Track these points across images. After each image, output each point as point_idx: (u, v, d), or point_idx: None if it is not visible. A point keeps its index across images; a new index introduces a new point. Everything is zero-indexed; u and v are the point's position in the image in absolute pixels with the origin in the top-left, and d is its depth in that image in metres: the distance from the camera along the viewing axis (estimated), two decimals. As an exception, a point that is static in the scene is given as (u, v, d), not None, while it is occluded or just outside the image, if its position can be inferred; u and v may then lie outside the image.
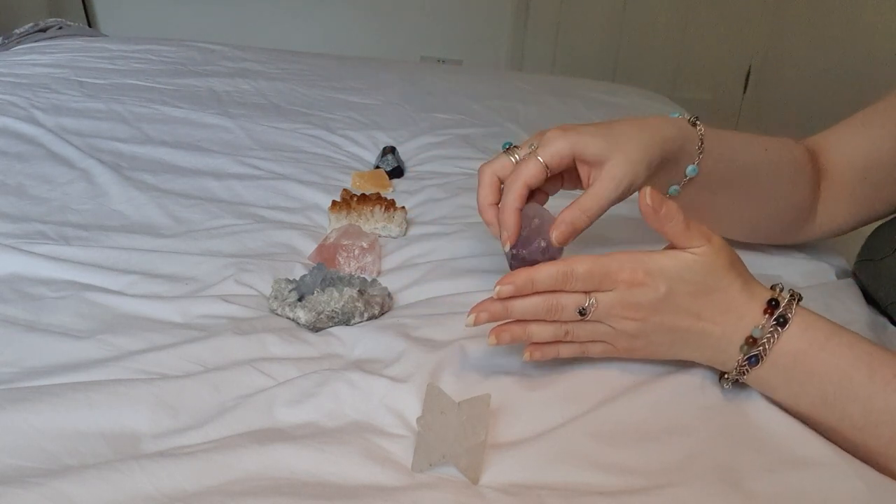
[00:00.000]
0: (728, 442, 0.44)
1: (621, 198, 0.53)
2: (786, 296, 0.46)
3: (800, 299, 0.46)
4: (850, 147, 0.64)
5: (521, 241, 0.54)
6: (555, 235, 0.51)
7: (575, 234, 0.52)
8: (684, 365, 0.50)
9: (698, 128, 0.57)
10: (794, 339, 0.45)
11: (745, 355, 0.45)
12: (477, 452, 0.41)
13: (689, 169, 0.57)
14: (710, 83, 2.75)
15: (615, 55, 2.75)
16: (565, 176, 0.58)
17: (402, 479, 0.40)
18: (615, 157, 0.52)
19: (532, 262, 0.51)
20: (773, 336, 0.45)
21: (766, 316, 0.45)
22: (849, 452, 0.43)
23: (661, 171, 0.55)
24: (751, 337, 0.45)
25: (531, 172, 0.53)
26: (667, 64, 2.74)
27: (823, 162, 0.65)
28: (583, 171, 0.54)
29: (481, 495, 0.39)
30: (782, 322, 0.45)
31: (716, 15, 2.67)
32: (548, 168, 0.53)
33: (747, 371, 0.46)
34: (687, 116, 0.58)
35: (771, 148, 0.62)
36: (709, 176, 0.58)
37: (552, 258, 0.53)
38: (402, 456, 0.42)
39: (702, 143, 0.57)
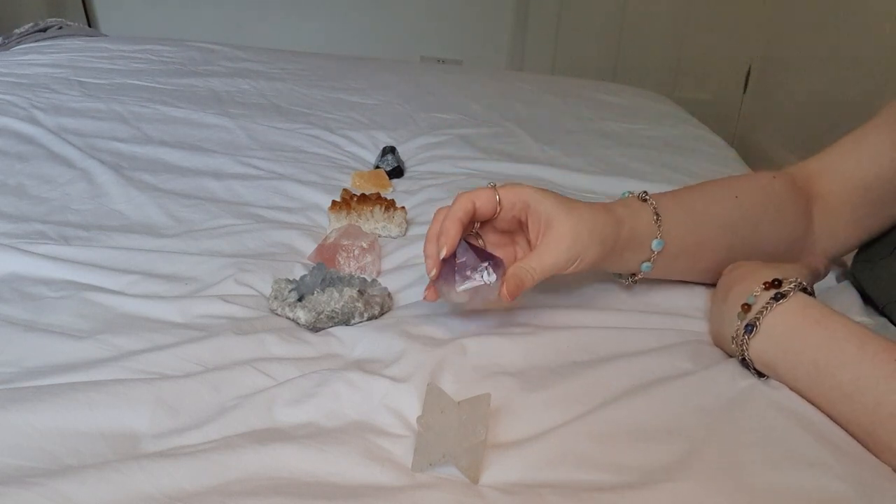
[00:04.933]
0: (728, 441, 0.44)
1: (565, 268, 0.52)
2: (792, 281, 0.49)
3: (804, 289, 0.49)
4: (847, 166, 0.63)
5: (465, 262, 0.50)
6: (505, 289, 0.50)
7: (522, 290, 0.51)
8: (684, 366, 0.51)
9: (649, 202, 0.57)
10: (788, 314, 0.48)
11: (741, 322, 0.49)
12: (477, 452, 0.41)
13: (655, 244, 0.56)
14: (710, 83, 2.75)
15: (615, 55, 2.75)
16: (516, 245, 0.57)
17: (402, 479, 0.40)
18: (564, 225, 0.51)
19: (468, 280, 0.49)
20: (767, 308, 0.48)
21: (763, 288, 0.49)
22: (840, 426, 0.45)
23: (625, 251, 0.55)
24: (746, 304, 0.49)
25: (481, 194, 0.52)
26: (667, 64, 2.74)
27: (818, 187, 0.64)
28: (533, 227, 0.53)
29: (481, 495, 0.39)
30: (779, 297, 0.48)
31: (716, 15, 2.67)
32: (499, 202, 0.52)
33: (747, 343, 0.49)
34: (636, 193, 0.57)
35: (743, 193, 0.61)
36: (680, 242, 0.58)
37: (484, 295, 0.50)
38: (402, 456, 0.42)
39: (658, 217, 0.56)
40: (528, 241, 0.55)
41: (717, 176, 1.03)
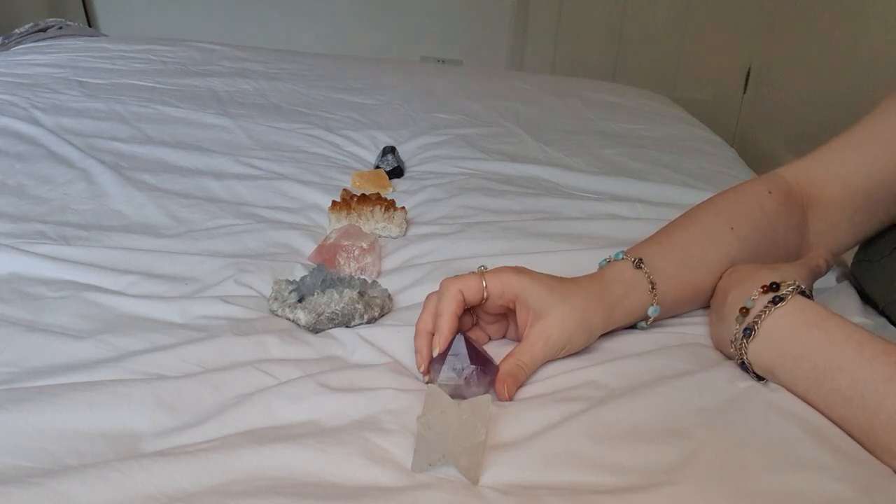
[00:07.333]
0: (727, 443, 0.44)
1: (556, 356, 0.52)
2: (790, 284, 0.49)
3: (802, 292, 0.49)
4: (846, 169, 0.62)
5: (456, 356, 0.49)
6: (506, 391, 0.49)
7: (518, 386, 0.50)
8: (683, 368, 0.51)
9: (644, 271, 0.55)
10: (787, 317, 0.48)
11: (740, 326, 0.49)
12: (477, 452, 0.41)
13: (651, 310, 0.55)
14: (710, 83, 2.75)
15: (615, 55, 2.75)
16: (510, 321, 0.56)
17: (402, 479, 0.40)
18: (554, 317, 0.51)
19: (461, 378, 0.48)
20: (765, 312, 0.48)
21: (761, 291, 0.49)
22: (840, 428, 0.45)
23: (620, 324, 0.55)
24: (744, 308, 0.50)
25: (469, 283, 0.51)
26: (667, 64, 2.74)
27: (817, 194, 0.63)
28: (521, 315, 0.53)
29: (481, 495, 0.39)
30: (777, 301, 0.48)
31: (716, 15, 2.67)
32: (486, 290, 0.51)
33: (745, 347, 0.49)
34: (630, 258, 0.56)
35: (738, 223, 0.59)
36: (677, 295, 0.57)
37: (477, 389, 0.49)
38: (402, 456, 0.42)
39: (654, 286, 0.55)
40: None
41: (717, 176, 1.04)
